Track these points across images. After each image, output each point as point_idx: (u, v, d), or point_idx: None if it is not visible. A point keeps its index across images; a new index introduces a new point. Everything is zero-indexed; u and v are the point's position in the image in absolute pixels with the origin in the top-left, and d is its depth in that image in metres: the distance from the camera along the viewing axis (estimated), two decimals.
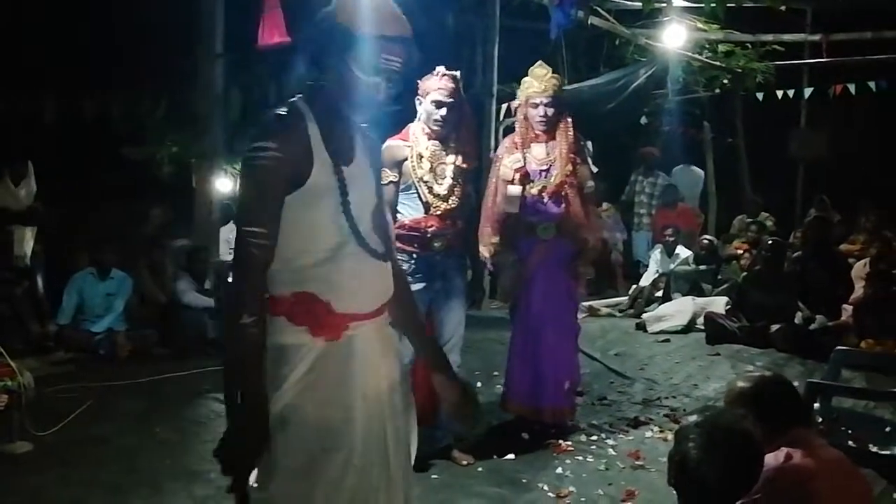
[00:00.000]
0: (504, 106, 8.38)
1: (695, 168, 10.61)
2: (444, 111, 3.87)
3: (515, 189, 4.37)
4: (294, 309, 1.96)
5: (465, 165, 3.97)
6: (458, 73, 3.96)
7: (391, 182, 3.87)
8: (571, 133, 4.43)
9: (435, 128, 3.91)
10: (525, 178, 4.40)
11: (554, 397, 4.47)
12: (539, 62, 4.48)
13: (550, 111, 4.38)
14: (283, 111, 1.97)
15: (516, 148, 4.44)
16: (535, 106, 4.38)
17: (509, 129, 8.40)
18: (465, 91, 4.18)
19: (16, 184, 6.49)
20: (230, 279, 2.02)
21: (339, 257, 1.98)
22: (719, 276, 8.15)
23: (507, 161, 4.42)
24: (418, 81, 3.92)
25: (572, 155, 4.40)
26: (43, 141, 7.36)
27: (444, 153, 3.93)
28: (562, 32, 6.19)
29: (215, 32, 6.64)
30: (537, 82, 4.38)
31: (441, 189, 3.90)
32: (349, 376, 2.00)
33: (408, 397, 2.20)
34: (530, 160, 4.42)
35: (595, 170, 4.85)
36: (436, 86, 3.87)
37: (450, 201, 3.92)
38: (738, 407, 2.28)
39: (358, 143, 2.08)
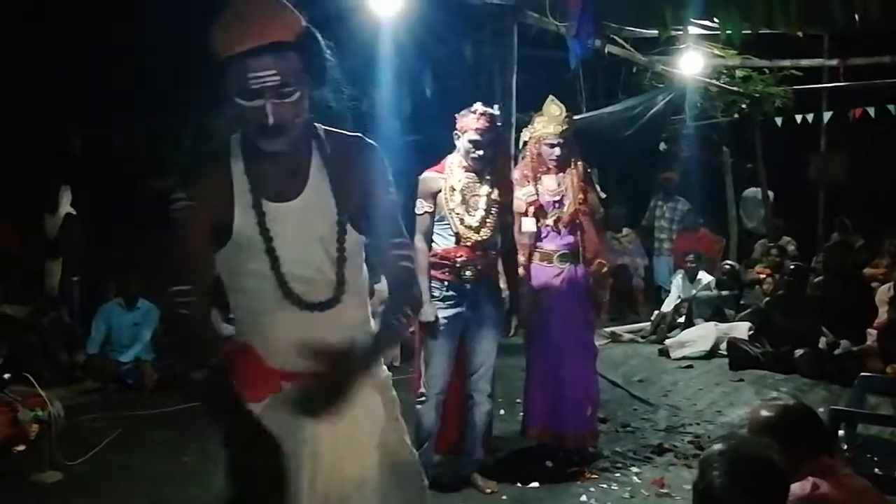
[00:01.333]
0: (523, 134, 8.43)
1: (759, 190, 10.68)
2: (480, 150, 3.98)
3: (530, 221, 4.47)
4: (229, 357, 1.78)
5: (500, 198, 4.07)
6: (495, 110, 4.07)
7: (426, 212, 4.00)
8: (580, 163, 4.57)
9: (471, 162, 4.03)
10: (539, 210, 4.50)
11: (575, 423, 4.51)
12: (551, 98, 4.58)
13: (565, 150, 4.50)
14: (204, 150, 1.80)
15: (527, 181, 4.53)
16: (551, 146, 4.49)
17: (522, 158, 8.48)
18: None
19: (51, 213, 6.63)
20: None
21: (273, 308, 1.77)
22: (742, 302, 8.13)
23: (520, 194, 4.49)
24: (456, 116, 4.04)
25: (582, 183, 4.54)
26: (70, 173, 7.51)
27: (478, 185, 4.04)
28: (579, 62, 6.26)
29: None
30: (553, 124, 4.49)
31: (472, 220, 3.99)
32: (293, 444, 1.73)
33: (400, 469, 1.91)
34: (542, 192, 4.52)
35: (603, 196, 4.94)
36: (472, 125, 3.98)
37: (481, 233, 4.00)
38: (762, 435, 2.29)
39: (314, 174, 1.80)
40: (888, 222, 9.39)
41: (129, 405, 5.49)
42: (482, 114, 4.00)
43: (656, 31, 7.26)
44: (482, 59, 8.97)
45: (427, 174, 4.07)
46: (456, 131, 4.06)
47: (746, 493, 1.98)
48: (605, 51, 7.98)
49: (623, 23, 7.83)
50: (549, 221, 4.51)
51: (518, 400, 5.54)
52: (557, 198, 4.52)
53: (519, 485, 4.19)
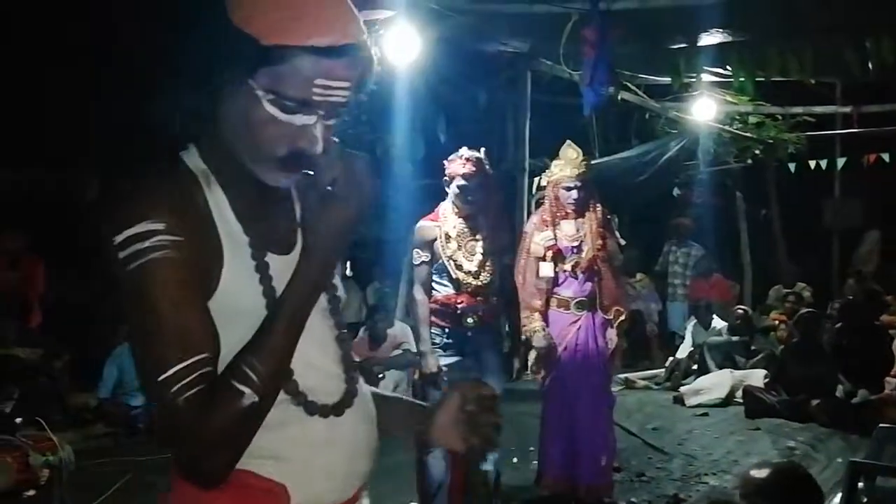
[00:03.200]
0: (536, 180, 8.48)
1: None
2: (469, 194, 3.95)
3: (548, 266, 4.44)
4: (229, 498, 1.20)
5: (496, 241, 4.05)
6: (482, 153, 4.03)
7: (423, 262, 3.98)
8: (600, 209, 4.53)
9: (463, 207, 4.00)
10: (557, 255, 4.46)
11: (590, 474, 4.42)
12: (568, 142, 4.59)
13: (582, 193, 4.46)
14: (162, 172, 1.21)
15: (546, 225, 4.50)
16: (568, 189, 4.46)
17: (541, 203, 8.51)
18: (497, 165, 4.26)
19: None
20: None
21: (284, 413, 1.22)
22: (753, 348, 8.03)
23: (538, 238, 4.48)
24: (444, 162, 4.04)
25: (601, 230, 4.49)
26: (86, 215, 7.55)
27: (473, 231, 4.01)
28: (594, 109, 6.33)
29: None
30: (570, 168, 4.47)
31: (471, 266, 3.96)
32: None
33: None
34: (561, 237, 4.48)
35: (623, 242, 4.92)
36: (459, 170, 3.95)
37: (480, 278, 3.97)
38: (754, 498, 2.23)
39: (311, 218, 1.21)
40: None
41: (140, 450, 5.43)
42: (468, 158, 3.96)
43: (669, 79, 7.35)
44: (496, 105, 9.08)
45: (422, 223, 4.04)
46: (445, 177, 4.02)
47: None
48: (619, 97, 8.06)
49: (636, 70, 7.92)
50: (567, 267, 4.46)
51: (531, 448, 5.48)
52: (576, 243, 4.48)
53: None
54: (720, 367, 7.69)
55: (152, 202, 1.14)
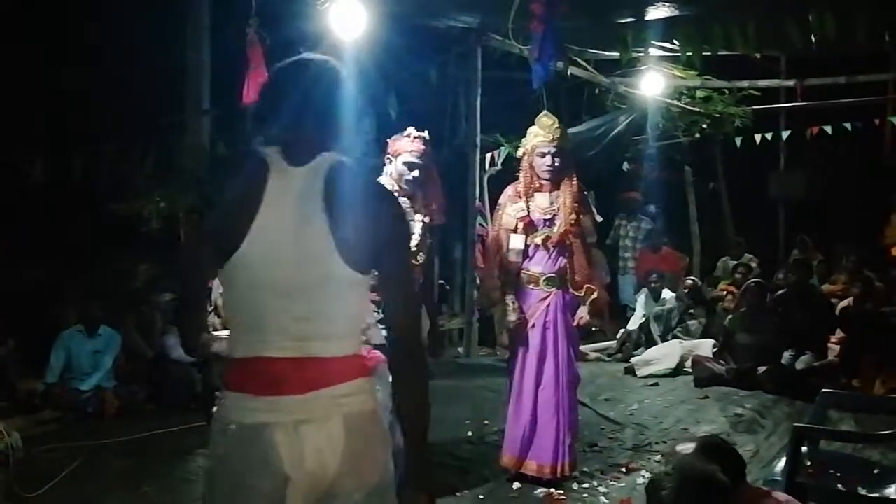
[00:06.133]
0: (488, 155, 8.50)
1: None
2: (415, 172, 3.91)
3: (518, 239, 4.38)
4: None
5: (430, 222, 4.01)
6: (426, 134, 3.99)
7: None
8: (575, 183, 4.43)
9: (405, 187, 3.93)
10: (529, 227, 4.39)
11: (554, 454, 4.37)
12: (545, 111, 4.51)
13: (557, 161, 4.37)
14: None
15: (519, 197, 4.42)
16: (543, 155, 4.37)
17: (493, 179, 8.52)
18: (449, 141, 4.23)
19: None
20: None
21: None
22: (692, 312, 8.10)
23: (511, 210, 4.42)
24: (388, 140, 3.99)
25: (576, 205, 4.40)
26: (31, 196, 7.39)
27: (412, 211, 3.95)
28: (542, 84, 6.32)
29: (202, 88, 6.71)
30: (545, 132, 4.38)
31: (411, 246, 3.91)
32: None
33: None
34: (534, 209, 4.40)
35: (600, 219, 4.88)
36: (408, 147, 3.90)
37: (418, 258, 3.92)
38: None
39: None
40: (845, 239, 9.58)
41: (90, 434, 5.37)
42: (417, 137, 3.92)
43: (618, 54, 7.39)
44: (447, 81, 9.05)
45: None
46: (388, 155, 3.95)
47: (692, 498, 2.08)
48: (568, 73, 8.07)
49: (585, 45, 7.94)
50: (538, 240, 4.38)
51: (486, 421, 5.54)
52: (548, 216, 4.39)
53: None
54: (663, 338, 7.85)
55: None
